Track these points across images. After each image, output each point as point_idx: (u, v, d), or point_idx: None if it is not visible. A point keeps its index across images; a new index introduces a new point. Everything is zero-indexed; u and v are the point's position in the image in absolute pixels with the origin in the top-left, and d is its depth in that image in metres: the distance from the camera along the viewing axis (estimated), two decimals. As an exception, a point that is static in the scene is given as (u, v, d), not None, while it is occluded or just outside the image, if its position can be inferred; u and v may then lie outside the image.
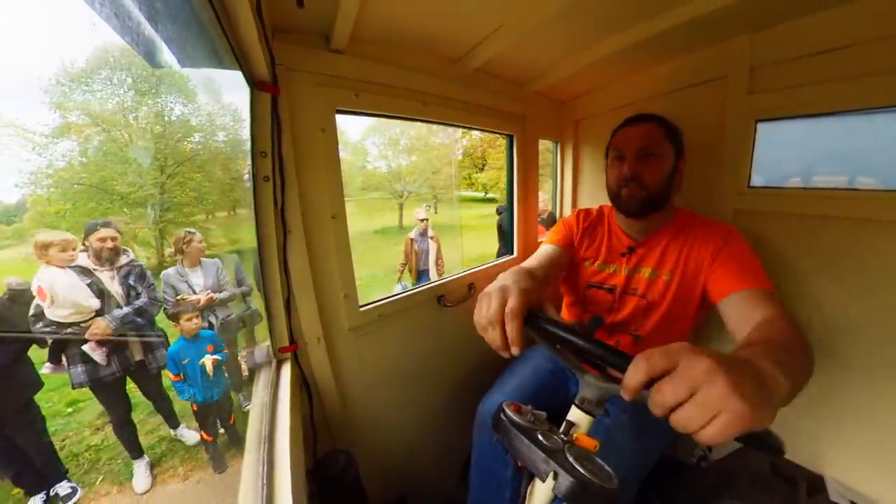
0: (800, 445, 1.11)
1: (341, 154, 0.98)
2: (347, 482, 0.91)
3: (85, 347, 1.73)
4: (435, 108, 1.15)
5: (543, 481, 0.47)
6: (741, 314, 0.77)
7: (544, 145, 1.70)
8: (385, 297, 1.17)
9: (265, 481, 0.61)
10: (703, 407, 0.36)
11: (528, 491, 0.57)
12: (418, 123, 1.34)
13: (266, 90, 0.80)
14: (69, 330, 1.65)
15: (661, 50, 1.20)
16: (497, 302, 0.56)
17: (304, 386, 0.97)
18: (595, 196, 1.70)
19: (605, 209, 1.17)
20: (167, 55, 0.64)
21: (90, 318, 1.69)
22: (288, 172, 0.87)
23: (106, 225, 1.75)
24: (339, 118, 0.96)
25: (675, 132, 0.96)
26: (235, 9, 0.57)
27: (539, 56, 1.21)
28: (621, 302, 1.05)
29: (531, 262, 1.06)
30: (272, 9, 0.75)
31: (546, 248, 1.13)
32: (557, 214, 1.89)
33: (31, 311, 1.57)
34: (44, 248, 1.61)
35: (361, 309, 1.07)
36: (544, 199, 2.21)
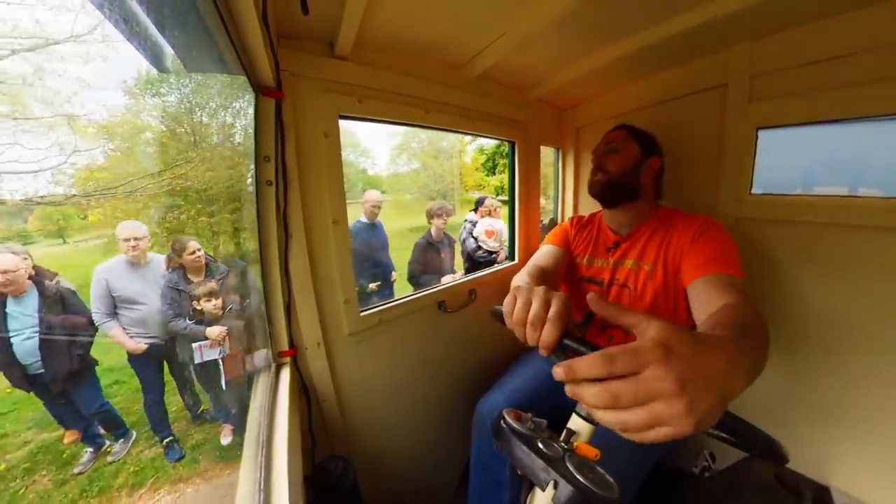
0: (805, 455, 1.10)
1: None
2: (345, 489, 0.90)
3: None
4: (437, 114, 1.16)
5: (543, 490, 0.46)
6: (703, 297, 0.77)
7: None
8: (385, 302, 1.17)
9: (262, 486, 0.61)
10: (650, 419, 0.34)
11: (528, 500, 0.57)
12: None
13: (270, 95, 0.80)
14: (494, 255, 3.13)
15: (662, 58, 1.21)
16: (541, 303, 0.54)
17: (303, 391, 0.97)
18: (596, 202, 1.70)
19: (598, 213, 1.23)
20: (174, 60, 0.64)
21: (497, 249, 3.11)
22: (291, 177, 0.87)
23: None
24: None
25: (642, 136, 1.07)
26: (241, 15, 0.58)
27: (540, 63, 1.22)
28: (608, 294, 1.09)
29: (541, 260, 1.10)
30: (278, 16, 0.76)
31: (549, 248, 1.17)
32: (559, 221, 1.89)
33: (475, 245, 3.18)
34: (486, 209, 3.45)
35: (362, 314, 1.07)
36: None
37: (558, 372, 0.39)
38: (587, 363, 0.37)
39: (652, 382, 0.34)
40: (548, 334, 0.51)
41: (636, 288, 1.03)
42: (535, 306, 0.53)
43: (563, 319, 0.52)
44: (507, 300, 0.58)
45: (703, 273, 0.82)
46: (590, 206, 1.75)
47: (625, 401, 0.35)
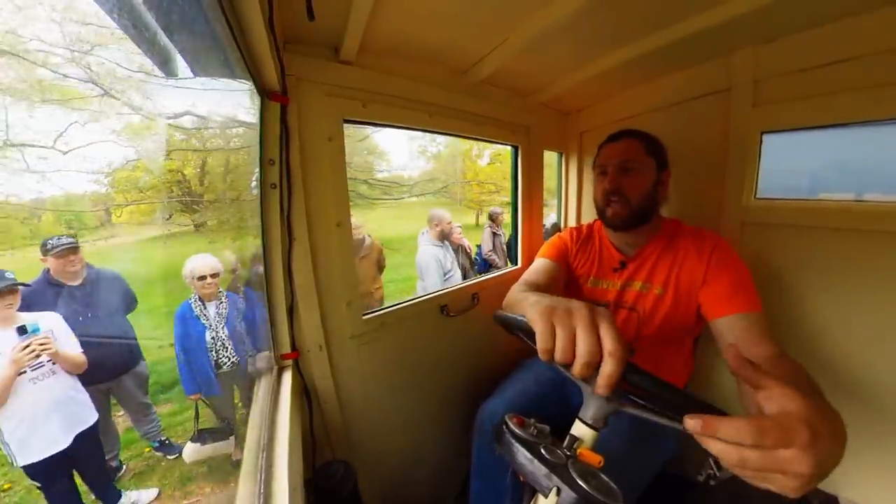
0: None
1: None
2: (345, 493, 0.89)
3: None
4: (441, 118, 1.17)
5: (546, 497, 0.46)
6: (739, 340, 0.78)
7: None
8: (387, 305, 1.17)
9: (262, 490, 0.60)
10: (767, 479, 0.35)
11: (531, 506, 0.56)
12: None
13: (276, 99, 0.81)
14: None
15: (666, 62, 1.21)
16: (590, 332, 0.44)
17: (304, 394, 0.97)
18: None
19: (595, 225, 1.18)
20: (181, 64, 0.65)
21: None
22: (295, 180, 0.88)
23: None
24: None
25: (656, 146, 0.98)
26: (248, 21, 0.59)
27: (544, 68, 1.23)
28: (615, 316, 1.04)
29: (533, 276, 1.06)
30: (284, 21, 0.77)
31: (544, 262, 1.12)
32: (562, 225, 1.89)
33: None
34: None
35: (364, 317, 1.07)
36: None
37: (693, 425, 0.37)
38: (734, 429, 0.35)
39: (789, 462, 0.34)
40: (611, 372, 0.42)
41: (644, 311, 0.99)
42: (586, 340, 0.43)
43: (625, 351, 0.43)
44: (541, 327, 0.46)
45: (731, 311, 0.82)
46: (592, 212, 1.74)
47: (752, 465, 0.35)
